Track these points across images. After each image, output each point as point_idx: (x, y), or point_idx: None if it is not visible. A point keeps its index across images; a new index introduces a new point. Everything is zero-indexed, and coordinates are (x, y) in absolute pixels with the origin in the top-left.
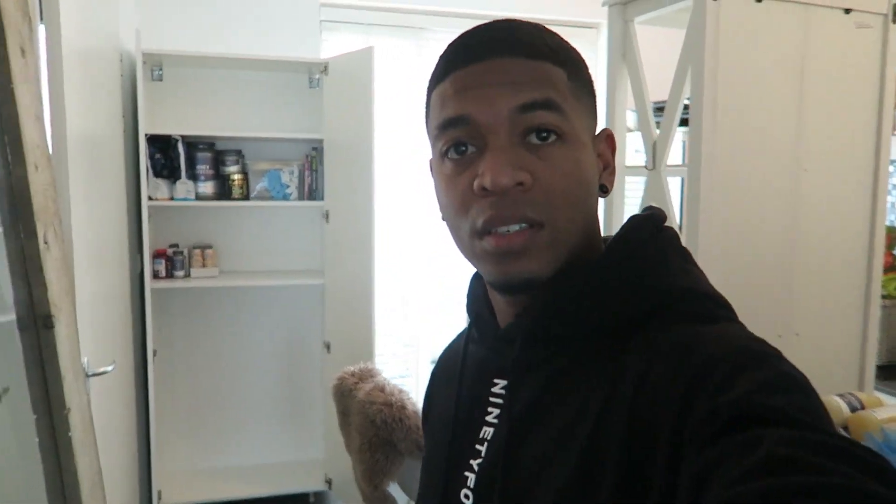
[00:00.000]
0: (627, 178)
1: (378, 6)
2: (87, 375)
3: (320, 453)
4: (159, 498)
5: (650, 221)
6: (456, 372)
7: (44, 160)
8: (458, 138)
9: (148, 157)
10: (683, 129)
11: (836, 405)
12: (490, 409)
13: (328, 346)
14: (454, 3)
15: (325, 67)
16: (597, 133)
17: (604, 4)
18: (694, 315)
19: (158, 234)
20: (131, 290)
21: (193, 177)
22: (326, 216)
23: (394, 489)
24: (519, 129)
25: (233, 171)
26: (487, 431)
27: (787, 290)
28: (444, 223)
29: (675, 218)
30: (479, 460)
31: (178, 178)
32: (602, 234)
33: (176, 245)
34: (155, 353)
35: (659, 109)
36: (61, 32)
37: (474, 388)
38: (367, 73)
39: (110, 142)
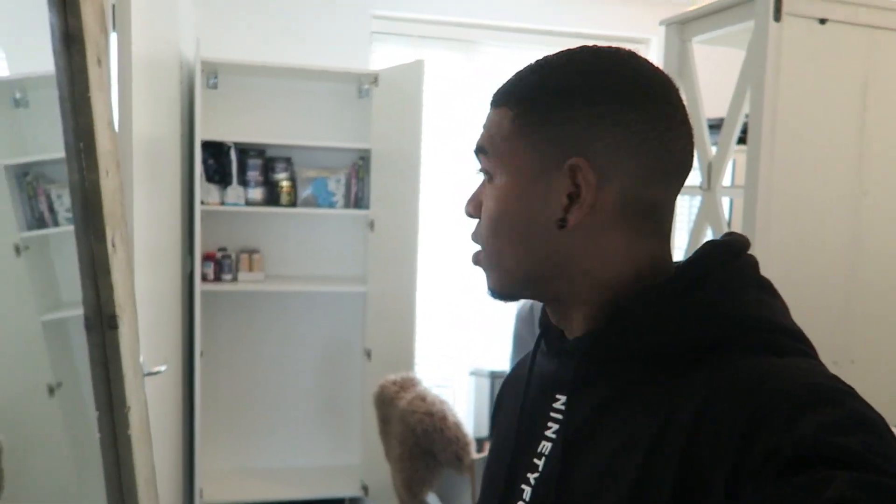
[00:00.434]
0: (681, 199)
1: (429, 19)
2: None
3: (357, 459)
4: (201, 496)
5: (725, 248)
6: (523, 382)
7: (114, 166)
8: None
9: (201, 163)
10: (737, 146)
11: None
12: (550, 424)
13: (369, 354)
14: (504, 17)
15: (375, 79)
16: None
17: (661, 23)
18: (761, 347)
19: (208, 237)
20: (181, 291)
21: (244, 182)
22: (371, 225)
23: (431, 499)
24: None
25: (281, 177)
26: (546, 446)
27: (844, 315)
28: None
29: None
30: (535, 474)
31: (230, 183)
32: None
33: (224, 249)
34: (201, 353)
35: (711, 126)
36: (132, 41)
37: (538, 401)
38: (417, 85)
39: (169, 147)
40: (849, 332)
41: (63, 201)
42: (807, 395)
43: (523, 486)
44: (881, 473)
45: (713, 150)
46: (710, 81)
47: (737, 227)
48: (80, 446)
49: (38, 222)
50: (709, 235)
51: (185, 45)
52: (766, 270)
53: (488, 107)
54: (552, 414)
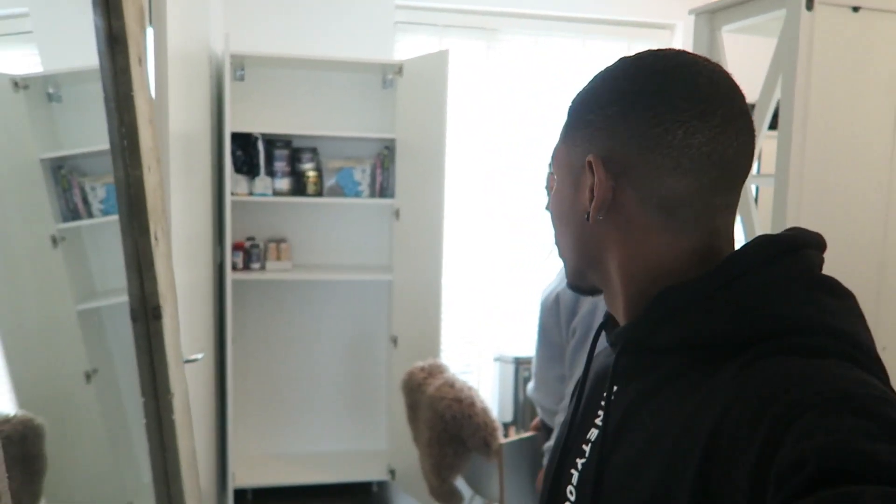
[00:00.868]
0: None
1: (452, 8)
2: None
3: (384, 444)
4: (233, 480)
5: (775, 243)
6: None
7: (154, 162)
8: None
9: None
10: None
11: None
12: (599, 412)
13: (395, 341)
14: (527, 4)
15: (399, 69)
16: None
17: (690, 12)
18: (797, 348)
19: (236, 227)
20: (212, 281)
21: (271, 173)
22: (397, 214)
23: (460, 483)
24: None
25: (308, 168)
26: (594, 433)
27: (875, 303)
28: None
29: (755, 228)
30: (583, 460)
31: (257, 174)
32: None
33: (252, 238)
34: (232, 341)
35: None
36: (167, 36)
37: (595, 390)
38: (442, 75)
39: (201, 140)
40: (880, 321)
41: (97, 194)
42: (833, 403)
43: (572, 471)
44: None
45: None
46: (736, 68)
47: (765, 216)
48: (115, 431)
49: (73, 214)
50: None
51: (214, 39)
52: None
53: (511, 95)
54: (602, 402)
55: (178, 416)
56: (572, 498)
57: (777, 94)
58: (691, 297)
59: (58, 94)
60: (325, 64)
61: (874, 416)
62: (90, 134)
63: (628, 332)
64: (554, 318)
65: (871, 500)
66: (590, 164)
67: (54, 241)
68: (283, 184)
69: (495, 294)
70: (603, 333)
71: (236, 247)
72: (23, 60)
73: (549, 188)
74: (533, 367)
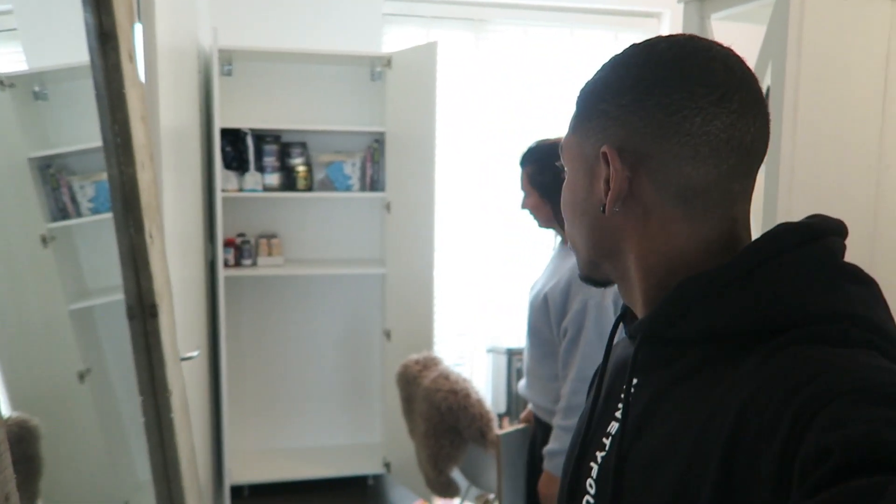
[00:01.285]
0: None
1: None
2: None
3: (379, 437)
4: (229, 476)
5: (797, 231)
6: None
7: (148, 159)
8: None
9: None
10: None
11: None
12: (619, 405)
13: (388, 334)
14: None
15: (388, 61)
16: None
17: (679, 1)
18: (820, 337)
19: (227, 223)
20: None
21: (260, 168)
22: (388, 207)
23: (456, 475)
24: None
25: (297, 162)
26: (614, 426)
27: None
28: None
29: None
30: (603, 453)
31: (247, 169)
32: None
33: (243, 234)
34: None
35: None
36: (156, 32)
37: (615, 383)
38: (431, 66)
39: (190, 136)
40: None
41: (86, 192)
42: (859, 393)
43: (592, 464)
44: None
45: None
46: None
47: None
48: (110, 430)
49: (62, 213)
50: None
51: (202, 34)
52: None
53: (500, 85)
54: (622, 395)
55: (177, 414)
56: (592, 491)
57: (767, 82)
58: (712, 287)
59: (44, 92)
60: (313, 57)
61: None
62: (78, 132)
63: (648, 323)
64: (544, 318)
65: None
66: (604, 154)
67: (44, 240)
68: (273, 179)
69: (487, 286)
70: (621, 325)
71: (227, 243)
72: (8, 58)
73: (523, 188)
74: (524, 365)
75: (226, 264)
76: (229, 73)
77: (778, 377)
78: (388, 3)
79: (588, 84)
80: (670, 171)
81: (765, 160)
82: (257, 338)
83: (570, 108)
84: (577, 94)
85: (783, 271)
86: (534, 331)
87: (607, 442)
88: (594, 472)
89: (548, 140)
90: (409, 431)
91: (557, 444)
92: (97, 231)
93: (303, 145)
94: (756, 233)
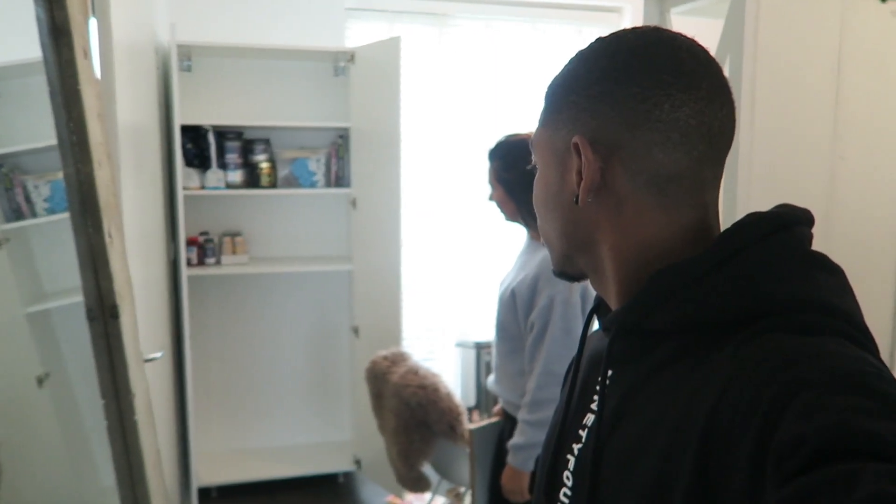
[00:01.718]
0: None
1: None
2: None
3: (349, 434)
4: (196, 478)
5: (767, 220)
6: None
7: (105, 157)
8: None
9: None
10: None
11: None
12: (594, 397)
13: (356, 331)
14: None
15: (351, 56)
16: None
17: None
18: (796, 326)
19: (189, 222)
20: (167, 278)
21: (223, 166)
22: (354, 203)
23: (427, 469)
24: None
25: (261, 159)
26: (590, 418)
27: None
28: None
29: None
30: (579, 445)
31: (209, 167)
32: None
33: (206, 233)
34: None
35: None
36: (112, 27)
37: (590, 375)
38: (395, 61)
39: (150, 133)
40: None
41: (40, 192)
42: (832, 381)
43: (569, 457)
44: None
45: None
46: None
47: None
48: (71, 435)
49: (17, 214)
50: None
51: (159, 30)
52: None
53: (464, 80)
54: (598, 387)
55: (141, 417)
56: (569, 483)
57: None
58: (686, 277)
59: None
60: (274, 53)
61: (872, 393)
62: (31, 130)
63: (623, 315)
64: (511, 314)
65: (871, 476)
66: (576, 146)
67: None
68: (236, 176)
69: (455, 280)
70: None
71: (190, 242)
72: None
73: (490, 181)
74: (493, 360)
75: (189, 263)
76: (189, 69)
77: (751, 367)
78: None
79: (556, 77)
80: (642, 159)
81: None
82: (223, 337)
83: (533, 103)
84: (546, 88)
85: (755, 261)
86: (502, 326)
87: (584, 434)
88: (571, 465)
89: (517, 135)
90: (378, 427)
91: (522, 439)
92: (54, 232)
93: (266, 142)
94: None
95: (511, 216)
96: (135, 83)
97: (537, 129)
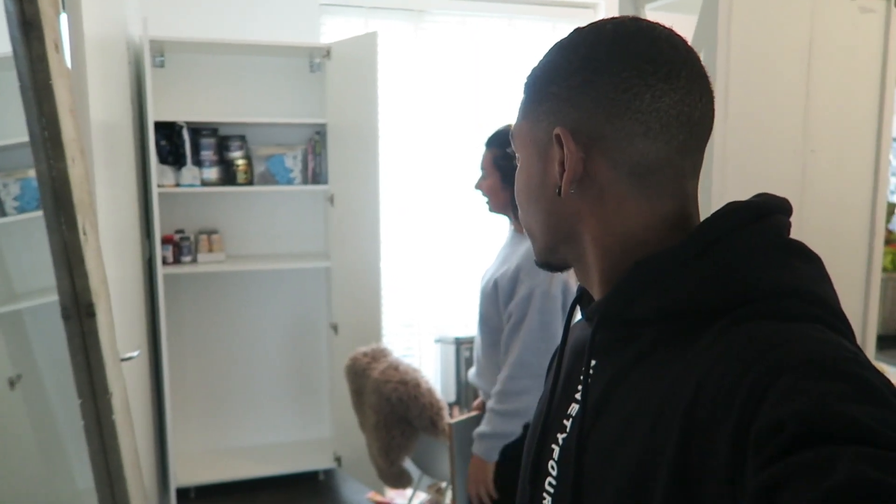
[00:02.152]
0: None
1: None
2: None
3: (329, 432)
4: (175, 479)
5: (746, 209)
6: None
7: (78, 153)
8: None
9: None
10: None
11: None
12: (578, 387)
13: (335, 328)
14: None
15: (327, 52)
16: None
17: None
18: (775, 312)
19: (165, 220)
20: (142, 276)
21: (198, 163)
22: (331, 199)
23: (408, 465)
24: None
25: (237, 156)
26: (574, 408)
27: None
28: None
29: None
30: (563, 435)
31: (184, 164)
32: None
33: (182, 231)
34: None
35: None
36: (83, 21)
37: (573, 365)
38: (371, 57)
39: (123, 130)
40: None
41: (10, 190)
42: (809, 366)
43: (553, 446)
44: (891, 447)
45: None
46: None
47: None
48: (45, 437)
49: None
50: None
51: (131, 25)
52: None
53: (441, 76)
54: (581, 377)
55: (118, 417)
56: (554, 473)
57: None
58: (667, 266)
59: None
60: (249, 48)
61: (849, 378)
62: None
63: (605, 304)
64: (493, 306)
65: (848, 460)
66: (558, 137)
67: None
68: (212, 173)
69: (433, 276)
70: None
71: (165, 240)
72: None
73: (483, 167)
74: (475, 353)
75: (165, 262)
76: (162, 65)
77: (731, 354)
78: None
79: (535, 69)
80: (623, 149)
81: None
82: (200, 336)
83: (510, 98)
84: (525, 79)
85: (735, 249)
86: (484, 319)
87: (568, 424)
88: (556, 454)
89: None
90: (359, 424)
91: (488, 428)
92: (25, 231)
93: (242, 138)
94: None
95: (499, 207)
96: (107, 79)
97: (517, 120)
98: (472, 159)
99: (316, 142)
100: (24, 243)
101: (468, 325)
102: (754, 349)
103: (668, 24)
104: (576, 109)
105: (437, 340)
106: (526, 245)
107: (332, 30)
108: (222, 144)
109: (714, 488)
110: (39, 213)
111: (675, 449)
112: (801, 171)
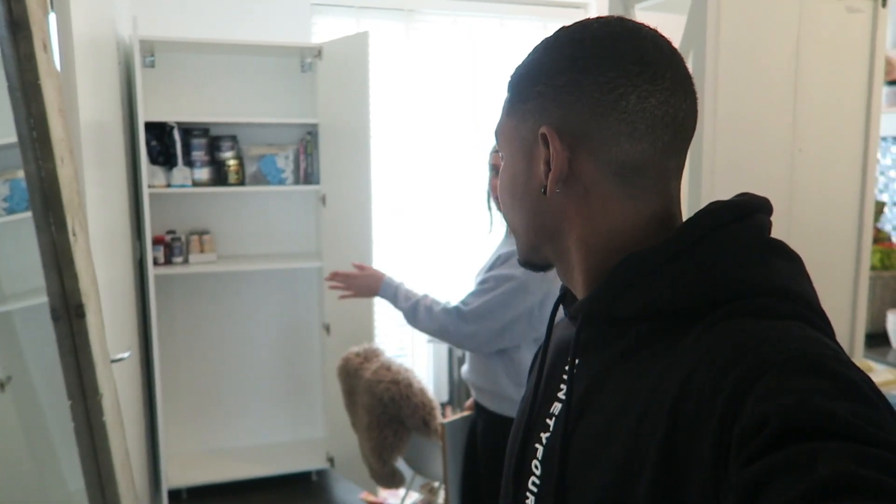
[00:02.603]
0: None
1: None
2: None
3: (321, 432)
4: (167, 480)
5: (728, 209)
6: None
7: (68, 153)
8: None
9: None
10: None
11: None
12: (562, 386)
13: (327, 328)
14: None
15: (318, 52)
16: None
17: None
18: (758, 310)
19: (156, 220)
20: (133, 277)
21: (189, 163)
22: (323, 200)
23: (401, 465)
24: None
25: (228, 156)
26: (557, 407)
27: None
28: None
29: None
30: (547, 434)
31: (175, 164)
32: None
33: (173, 231)
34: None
35: None
36: (72, 21)
37: (556, 364)
38: (363, 57)
39: (113, 130)
40: None
41: None
42: (791, 363)
43: (537, 446)
44: (872, 443)
45: None
46: None
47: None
48: (35, 439)
49: None
50: None
51: (121, 24)
52: None
53: (432, 75)
54: (564, 376)
55: (109, 418)
56: (538, 472)
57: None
58: (650, 265)
59: None
60: (240, 48)
61: (830, 375)
62: None
63: (589, 303)
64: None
65: (832, 456)
66: (543, 136)
67: None
68: (203, 173)
69: (426, 276)
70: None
71: (156, 241)
72: None
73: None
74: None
75: (156, 262)
76: (152, 65)
77: (715, 352)
78: None
79: (520, 67)
80: (609, 149)
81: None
82: (192, 336)
83: (501, 97)
84: (509, 77)
85: (718, 248)
86: None
87: (551, 423)
88: (539, 454)
89: None
90: (351, 424)
91: (405, 302)
92: (13, 232)
93: (233, 138)
94: (683, 213)
95: None
96: (96, 79)
97: (501, 119)
98: (463, 159)
99: (307, 142)
100: (14, 244)
101: None
102: (737, 347)
103: (657, 24)
104: (562, 109)
105: (430, 340)
106: None
107: (324, 29)
108: (213, 145)
109: (699, 486)
110: (29, 213)
111: (659, 447)
112: (790, 169)
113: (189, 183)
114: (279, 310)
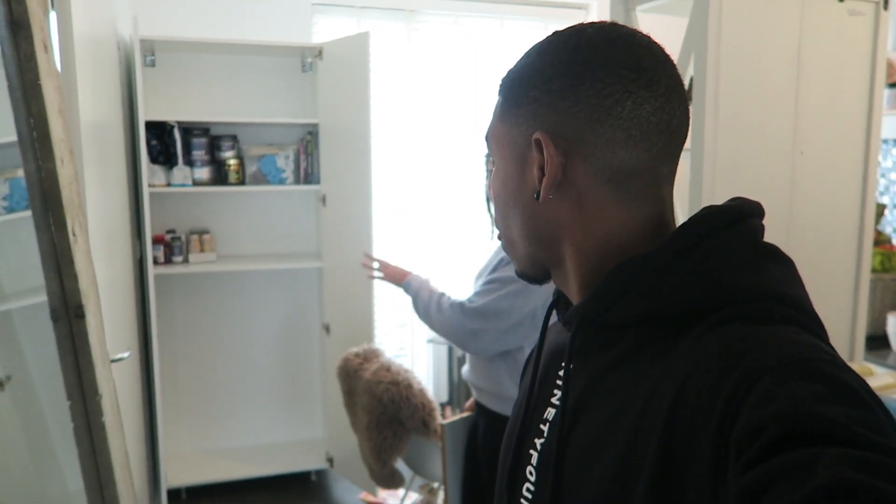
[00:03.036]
0: None
1: None
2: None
3: (321, 432)
4: (166, 480)
5: (722, 214)
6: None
7: (68, 153)
8: None
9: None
10: None
11: None
12: (555, 391)
13: (327, 328)
14: None
15: (319, 52)
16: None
17: None
18: (752, 315)
19: (156, 220)
20: (133, 276)
21: (189, 163)
22: (323, 200)
23: (400, 466)
24: None
25: (228, 156)
26: (551, 413)
27: None
28: None
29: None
30: (541, 440)
31: (175, 164)
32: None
33: (173, 231)
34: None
35: None
36: (72, 21)
37: (549, 369)
38: (363, 57)
39: (113, 129)
40: None
41: None
42: (788, 368)
43: (531, 451)
44: (869, 448)
45: None
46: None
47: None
48: (35, 439)
49: None
50: None
51: (121, 24)
52: None
53: (433, 76)
54: (558, 381)
55: (108, 418)
56: (532, 478)
57: (690, 72)
58: (645, 270)
59: None
60: (240, 48)
61: (827, 379)
62: None
63: (584, 308)
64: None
65: (829, 461)
66: (537, 141)
67: None
68: (203, 173)
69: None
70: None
71: (156, 240)
72: None
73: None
74: None
75: (156, 262)
76: (152, 65)
77: (711, 357)
78: None
79: (513, 71)
80: (604, 155)
81: (690, 147)
82: (191, 336)
83: (495, 98)
84: (501, 81)
85: (712, 253)
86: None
87: (545, 429)
88: (534, 460)
89: None
90: (351, 425)
91: (424, 293)
92: (13, 231)
93: (233, 138)
94: (683, 216)
95: None
96: (97, 78)
97: (492, 123)
98: (464, 159)
99: (308, 142)
100: (14, 243)
101: None
102: (733, 353)
103: (658, 27)
104: (556, 114)
105: (430, 341)
106: None
107: (324, 29)
108: (214, 144)
109: (696, 492)
110: (29, 213)
111: (656, 453)
112: (791, 172)
113: (189, 182)
114: (279, 310)
